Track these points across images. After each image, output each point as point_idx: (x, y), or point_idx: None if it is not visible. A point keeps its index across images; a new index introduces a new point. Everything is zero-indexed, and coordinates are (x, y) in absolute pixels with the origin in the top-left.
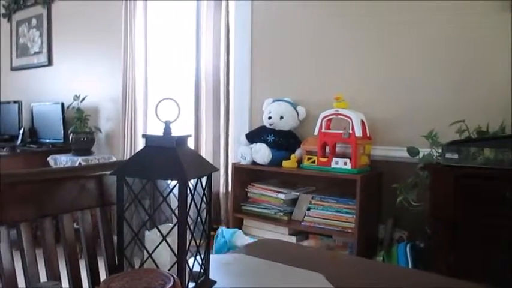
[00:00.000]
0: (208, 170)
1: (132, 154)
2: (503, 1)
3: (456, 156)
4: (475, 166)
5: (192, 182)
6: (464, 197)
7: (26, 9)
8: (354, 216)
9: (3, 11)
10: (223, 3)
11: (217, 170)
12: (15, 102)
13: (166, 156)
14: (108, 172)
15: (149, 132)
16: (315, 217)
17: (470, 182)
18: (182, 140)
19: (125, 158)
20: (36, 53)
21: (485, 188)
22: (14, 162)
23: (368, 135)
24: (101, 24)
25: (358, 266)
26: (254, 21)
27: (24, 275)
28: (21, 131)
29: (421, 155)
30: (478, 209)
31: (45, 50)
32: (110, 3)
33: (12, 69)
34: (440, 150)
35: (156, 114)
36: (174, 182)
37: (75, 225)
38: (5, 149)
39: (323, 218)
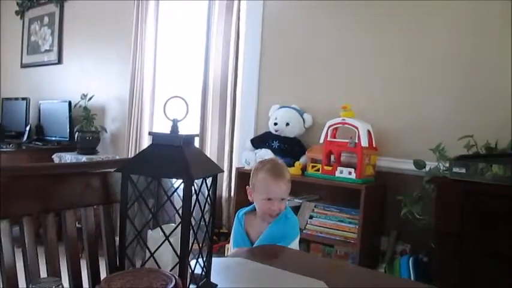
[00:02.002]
0: (214, 170)
1: None
2: None
3: (464, 170)
4: (483, 182)
5: (197, 182)
6: (471, 212)
7: (39, 6)
8: (357, 227)
9: (16, 8)
10: (235, 8)
11: (223, 171)
12: (23, 99)
13: (172, 154)
14: (113, 169)
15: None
16: (317, 226)
17: (477, 197)
18: (189, 139)
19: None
20: (46, 51)
21: (492, 204)
22: (19, 158)
23: (374, 145)
24: (112, 25)
25: (361, 276)
26: (264, 26)
27: (25, 271)
28: (27, 128)
29: (427, 168)
30: (484, 225)
31: (55, 48)
32: (122, 5)
33: (22, 66)
34: (447, 164)
35: (164, 112)
36: (179, 182)
37: (77, 225)
38: (11, 146)
39: (325, 227)
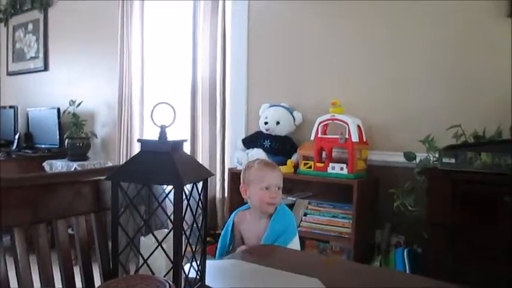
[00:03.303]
0: (204, 175)
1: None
2: (502, 7)
3: (453, 160)
4: (472, 171)
5: (187, 187)
6: (462, 201)
7: (23, 13)
8: (351, 222)
9: (0, 15)
10: (220, 7)
11: (213, 175)
12: (10, 107)
13: (161, 161)
14: (103, 177)
15: (145, 138)
16: (311, 222)
17: (467, 186)
18: (178, 144)
19: (120, 164)
20: (32, 58)
21: (482, 193)
22: (10, 167)
23: (365, 140)
24: (98, 29)
25: (355, 271)
26: (250, 25)
27: (18, 281)
28: (16, 136)
29: (418, 159)
30: (475, 214)
31: (41, 55)
32: (107, 9)
33: (8, 74)
34: (437, 155)
35: (152, 118)
36: (170, 187)
37: (69, 231)
38: (0, 154)
39: (320, 224)
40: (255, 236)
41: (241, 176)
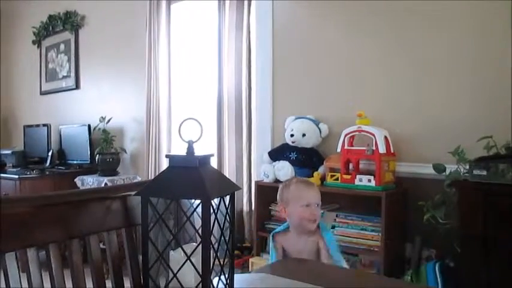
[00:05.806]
0: (230, 189)
1: (157, 173)
2: None
3: (484, 172)
4: (505, 183)
5: (215, 201)
6: (493, 214)
7: (55, 35)
8: (380, 234)
9: (33, 37)
10: (245, 22)
11: (240, 188)
12: (44, 125)
13: (189, 175)
14: (133, 193)
15: (173, 152)
16: (340, 235)
17: (499, 199)
18: (205, 159)
19: (149, 178)
20: (64, 77)
21: None
22: (43, 183)
23: (392, 151)
24: (126, 48)
25: (386, 286)
26: (275, 38)
27: None
28: (49, 153)
29: (447, 171)
30: (508, 227)
31: (72, 74)
32: (134, 28)
33: (42, 93)
34: (467, 167)
35: (179, 134)
36: (198, 201)
37: (101, 245)
38: (34, 171)
39: (348, 236)
40: (296, 251)
41: (278, 196)
